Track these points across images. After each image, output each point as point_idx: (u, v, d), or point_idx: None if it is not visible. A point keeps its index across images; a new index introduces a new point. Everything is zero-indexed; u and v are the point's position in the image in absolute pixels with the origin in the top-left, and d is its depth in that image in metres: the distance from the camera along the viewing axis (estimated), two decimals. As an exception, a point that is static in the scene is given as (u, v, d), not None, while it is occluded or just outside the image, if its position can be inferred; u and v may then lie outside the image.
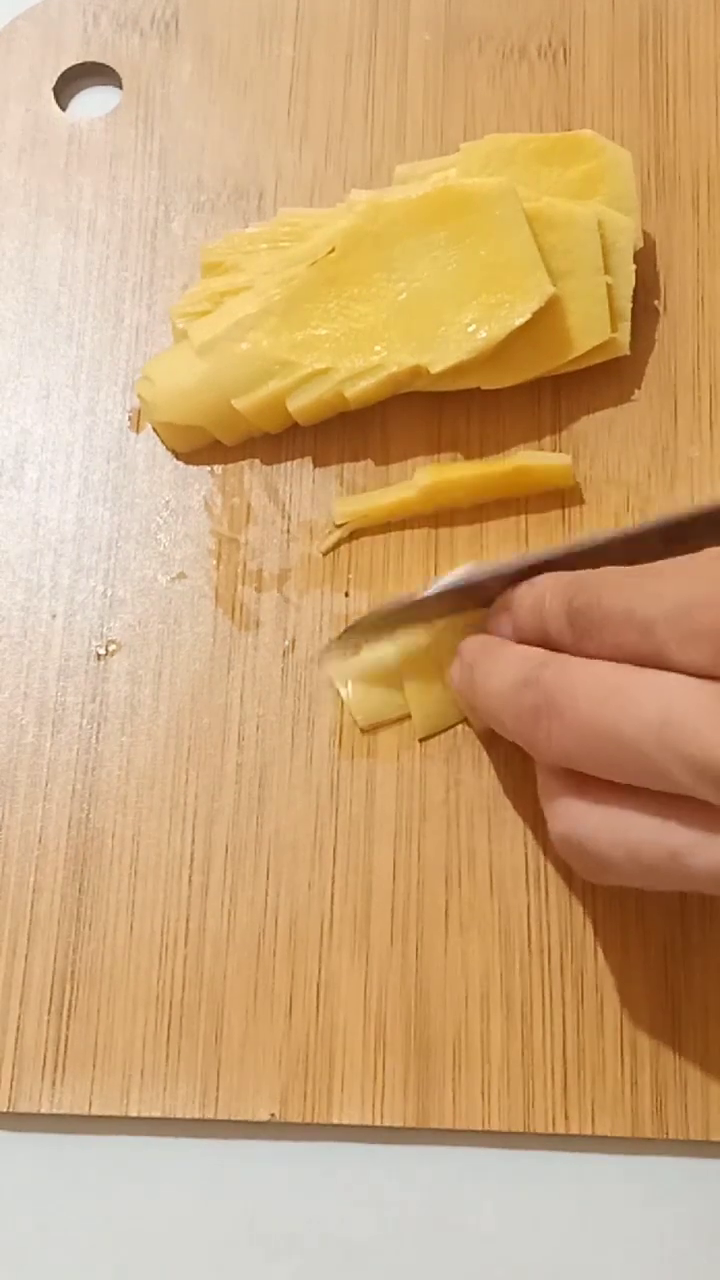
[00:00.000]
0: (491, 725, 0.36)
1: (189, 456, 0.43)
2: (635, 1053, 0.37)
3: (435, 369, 0.40)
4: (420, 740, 0.39)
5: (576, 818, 0.32)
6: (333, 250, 0.41)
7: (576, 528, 0.41)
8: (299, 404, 0.41)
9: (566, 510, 0.42)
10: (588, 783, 0.32)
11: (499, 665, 0.35)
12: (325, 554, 0.41)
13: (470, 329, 0.40)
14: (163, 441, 0.43)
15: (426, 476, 0.41)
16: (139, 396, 0.43)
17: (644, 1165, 0.37)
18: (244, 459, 0.43)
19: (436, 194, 0.41)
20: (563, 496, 0.42)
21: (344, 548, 0.42)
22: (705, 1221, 0.36)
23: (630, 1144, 0.37)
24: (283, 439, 0.43)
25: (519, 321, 0.40)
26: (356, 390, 0.41)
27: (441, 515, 0.42)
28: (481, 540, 0.41)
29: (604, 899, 0.38)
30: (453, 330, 0.40)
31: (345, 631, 0.39)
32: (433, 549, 0.41)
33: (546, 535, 0.41)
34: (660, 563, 0.32)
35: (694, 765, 0.29)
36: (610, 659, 0.32)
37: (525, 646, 0.35)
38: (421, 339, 0.40)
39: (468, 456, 0.42)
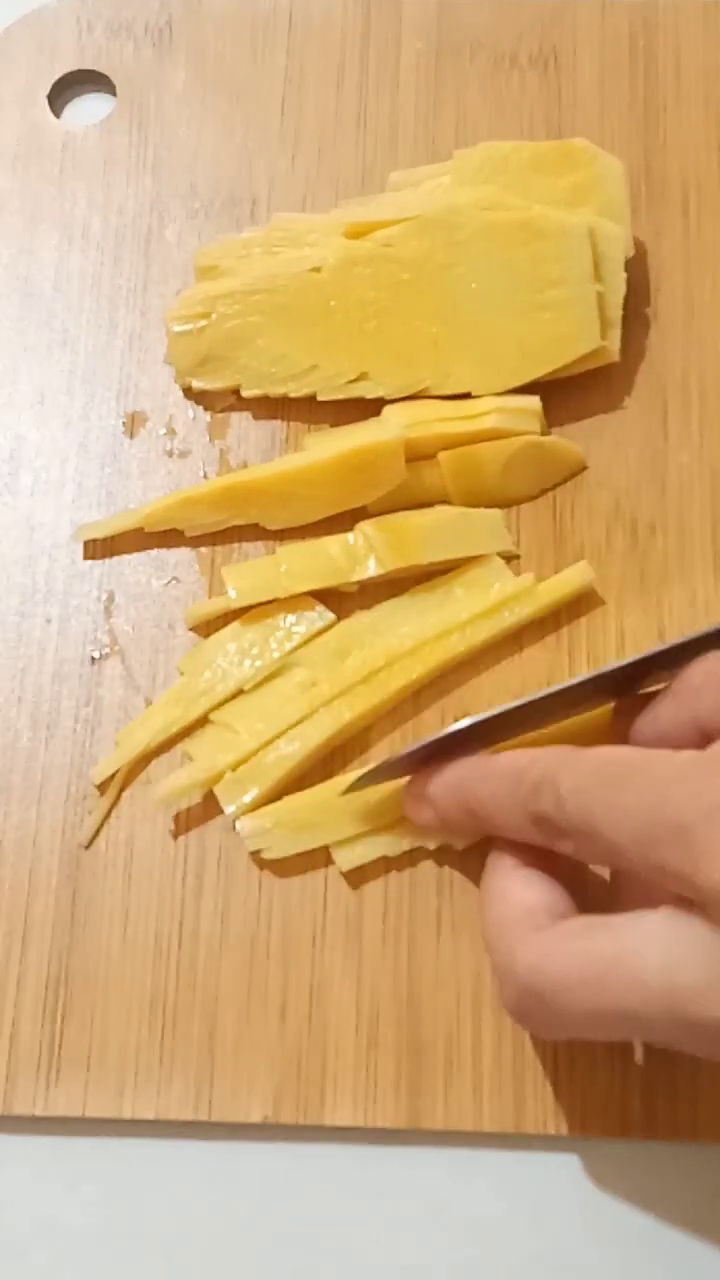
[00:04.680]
0: None
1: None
2: (625, 1054, 0.37)
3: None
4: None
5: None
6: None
7: (567, 529, 0.42)
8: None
9: (558, 513, 0.42)
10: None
11: (490, 911, 0.34)
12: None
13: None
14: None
15: (399, 414, 0.41)
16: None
17: (640, 1162, 0.37)
18: (237, 465, 0.43)
19: (511, 218, 0.41)
20: (554, 500, 0.42)
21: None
22: (702, 1216, 0.36)
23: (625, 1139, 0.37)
24: (276, 445, 0.43)
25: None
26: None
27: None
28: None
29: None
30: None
31: (362, 778, 0.37)
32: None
33: (539, 535, 0.42)
34: (621, 758, 0.31)
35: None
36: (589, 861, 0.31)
37: (507, 905, 0.33)
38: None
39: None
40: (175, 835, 0.39)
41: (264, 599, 0.40)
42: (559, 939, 0.31)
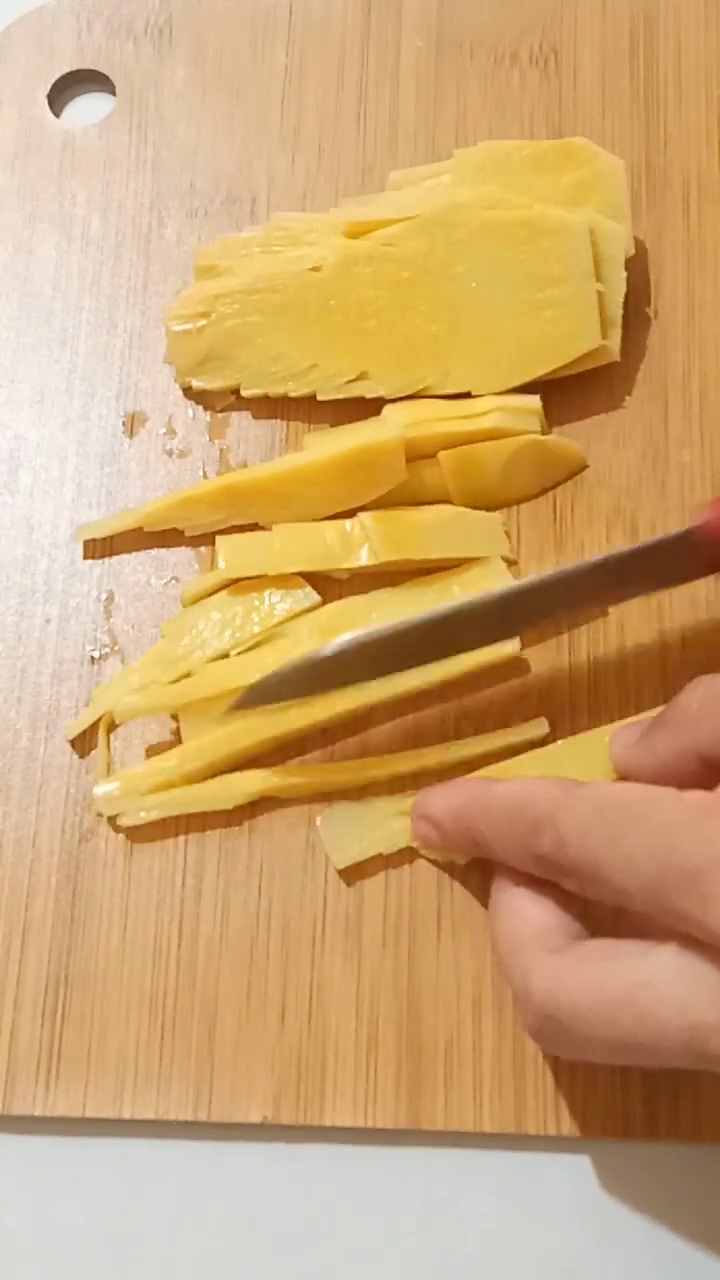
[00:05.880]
0: None
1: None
2: (626, 1055, 0.37)
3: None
4: None
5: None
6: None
7: (567, 528, 0.42)
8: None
9: (559, 513, 0.42)
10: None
11: (501, 927, 0.34)
12: None
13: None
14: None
15: (399, 413, 0.41)
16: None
17: (641, 1163, 0.37)
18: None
19: (514, 217, 0.41)
20: (554, 499, 0.42)
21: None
22: (704, 1218, 0.36)
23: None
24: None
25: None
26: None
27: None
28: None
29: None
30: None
31: (247, 691, 0.37)
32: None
33: (539, 535, 0.41)
34: (624, 799, 0.30)
35: None
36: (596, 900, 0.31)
37: (520, 923, 0.33)
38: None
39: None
40: (175, 836, 0.39)
41: (253, 573, 0.40)
42: (573, 964, 0.31)
